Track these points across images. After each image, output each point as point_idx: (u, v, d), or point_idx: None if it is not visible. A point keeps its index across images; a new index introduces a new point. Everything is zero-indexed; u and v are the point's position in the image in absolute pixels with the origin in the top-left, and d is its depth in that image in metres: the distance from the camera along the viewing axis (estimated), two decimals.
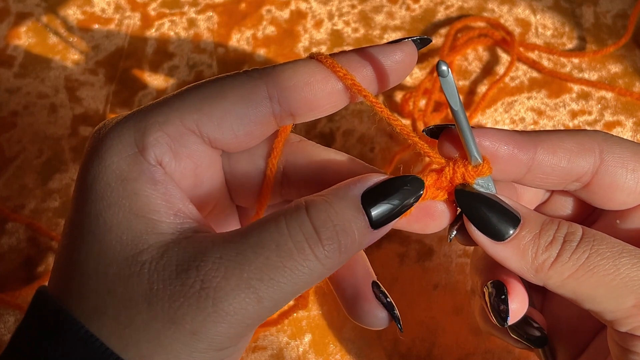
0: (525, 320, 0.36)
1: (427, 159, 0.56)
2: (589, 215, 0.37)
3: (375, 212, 0.29)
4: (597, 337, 0.37)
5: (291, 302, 0.35)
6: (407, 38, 0.33)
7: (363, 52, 0.32)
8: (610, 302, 0.31)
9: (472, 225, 0.32)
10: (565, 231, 0.31)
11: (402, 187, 0.30)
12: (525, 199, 0.36)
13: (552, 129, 0.57)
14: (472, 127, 0.32)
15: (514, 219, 0.31)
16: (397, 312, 0.34)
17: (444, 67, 0.28)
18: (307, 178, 0.34)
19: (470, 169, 0.32)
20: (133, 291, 0.28)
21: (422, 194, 0.31)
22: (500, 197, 0.32)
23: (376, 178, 0.30)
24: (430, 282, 0.51)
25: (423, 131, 0.33)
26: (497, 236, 0.31)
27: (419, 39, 0.33)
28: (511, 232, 0.31)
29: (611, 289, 0.30)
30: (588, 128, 0.57)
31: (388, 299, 0.34)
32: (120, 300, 0.28)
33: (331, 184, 0.31)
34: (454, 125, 0.32)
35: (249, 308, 0.28)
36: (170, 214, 0.29)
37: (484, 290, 0.35)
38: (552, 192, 0.37)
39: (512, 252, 0.31)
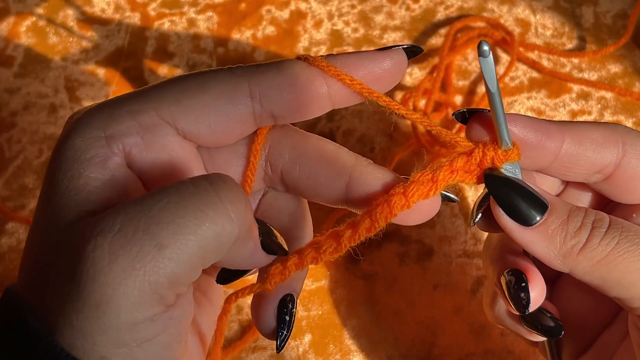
0: (539, 310, 0.36)
1: (425, 158, 0.56)
2: (602, 209, 0.37)
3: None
4: (605, 332, 0.37)
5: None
6: (398, 46, 0.32)
7: (351, 56, 0.31)
8: (639, 288, 0.31)
9: (500, 210, 0.32)
10: (593, 218, 0.31)
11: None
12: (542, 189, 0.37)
13: None
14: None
15: (542, 205, 0.32)
16: (285, 332, 0.32)
17: (486, 47, 0.29)
18: (289, 165, 0.33)
19: (500, 153, 0.32)
20: (58, 259, 0.27)
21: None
22: (528, 184, 0.32)
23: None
24: (430, 282, 0.51)
25: (453, 115, 0.33)
26: (526, 221, 0.31)
27: (410, 47, 0.32)
28: (539, 217, 0.31)
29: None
30: None
31: (289, 317, 0.32)
32: (56, 270, 0.27)
33: (313, 173, 0.32)
34: (484, 110, 0.32)
35: (150, 258, 0.25)
36: (102, 201, 0.28)
37: (501, 279, 0.35)
38: (567, 185, 0.37)
39: (540, 237, 0.31)
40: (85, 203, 0.27)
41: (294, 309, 0.32)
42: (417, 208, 0.31)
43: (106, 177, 0.28)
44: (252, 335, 0.49)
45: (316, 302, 0.51)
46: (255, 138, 0.32)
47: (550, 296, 0.40)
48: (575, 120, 0.34)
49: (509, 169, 0.32)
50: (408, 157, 0.56)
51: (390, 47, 0.32)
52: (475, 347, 0.49)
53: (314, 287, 0.51)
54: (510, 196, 0.31)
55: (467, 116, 0.33)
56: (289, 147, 0.33)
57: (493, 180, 0.32)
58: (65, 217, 0.27)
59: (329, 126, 0.58)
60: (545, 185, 0.37)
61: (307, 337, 0.50)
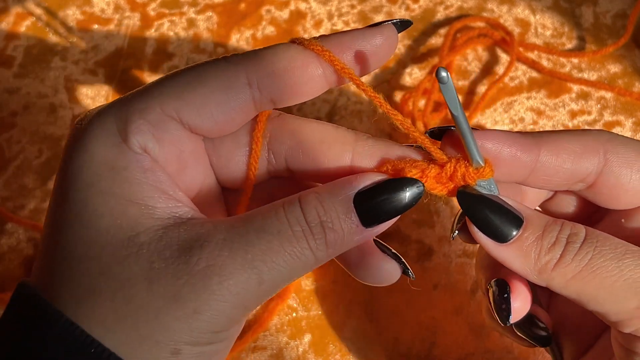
0: (531, 318, 0.36)
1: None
2: (593, 213, 0.37)
3: (368, 211, 0.30)
4: (604, 335, 0.37)
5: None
6: (388, 21, 0.32)
7: (343, 36, 0.32)
8: (613, 303, 0.30)
9: (475, 227, 0.32)
10: (568, 232, 0.31)
11: (400, 189, 0.30)
12: (529, 197, 0.36)
13: (551, 129, 0.57)
14: (474, 128, 0.32)
15: (516, 221, 0.31)
16: (404, 261, 0.34)
17: (444, 74, 0.29)
18: (292, 151, 0.33)
19: (472, 171, 0.32)
20: (130, 271, 0.28)
21: (421, 196, 0.31)
22: (502, 198, 0.32)
23: (373, 178, 0.31)
24: (430, 282, 0.51)
25: (426, 133, 0.33)
26: (500, 238, 0.31)
27: (399, 21, 0.33)
28: (514, 233, 0.31)
29: (614, 290, 0.30)
30: (588, 128, 0.57)
31: (392, 251, 0.34)
32: (115, 280, 0.28)
33: (316, 154, 0.32)
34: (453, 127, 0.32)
35: (250, 289, 0.28)
36: (163, 199, 0.29)
37: (488, 288, 0.35)
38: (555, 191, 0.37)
39: (515, 253, 0.31)
40: (153, 210, 0.29)
41: (385, 244, 0.34)
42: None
43: (151, 179, 0.29)
44: (252, 335, 0.49)
45: (316, 302, 0.51)
46: (255, 126, 0.33)
47: (549, 299, 0.40)
48: (556, 130, 0.34)
49: (483, 185, 0.32)
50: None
51: (381, 23, 0.32)
52: (475, 347, 0.49)
53: (313, 287, 0.51)
54: (482, 213, 0.31)
55: (439, 134, 0.33)
56: (288, 134, 0.33)
57: (465, 198, 0.32)
58: (141, 224, 0.28)
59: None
60: (534, 192, 0.36)
61: (307, 337, 0.50)
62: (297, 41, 0.31)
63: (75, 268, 0.28)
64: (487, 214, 0.31)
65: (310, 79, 0.31)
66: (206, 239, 0.28)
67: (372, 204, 0.30)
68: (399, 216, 0.31)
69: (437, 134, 0.33)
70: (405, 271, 0.34)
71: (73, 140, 0.30)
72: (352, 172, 0.32)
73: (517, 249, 0.31)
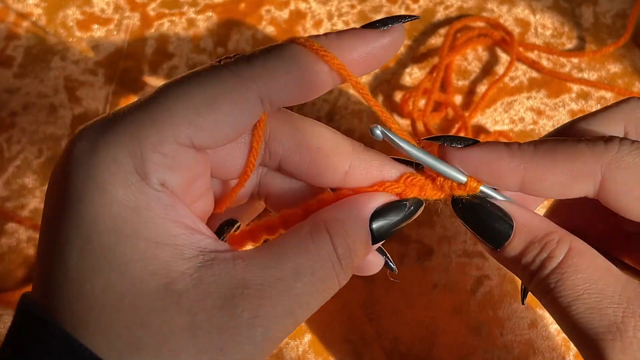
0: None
1: None
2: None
3: (378, 231, 0.32)
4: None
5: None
6: (395, 18, 0.32)
7: (348, 35, 0.31)
8: (572, 334, 0.31)
9: (473, 234, 0.33)
10: (545, 255, 0.31)
11: (405, 209, 0.32)
12: None
13: (551, 129, 0.57)
14: (455, 137, 0.33)
15: (508, 229, 0.32)
16: (387, 253, 0.35)
17: (377, 131, 0.31)
18: (289, 153, 0.33)
19: (456, 187, 0.33)
20: (173, 323, 0.27)
21: (419, 214, 0.33)
22: (497, 202, 0.33)
23: (384, 199, 0.32)
24: (430, 282, 0.51)
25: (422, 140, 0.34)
26: (495, 244, 0.33)
27: (407, 17, 0.32)
28: (505, 242, 0.32)
29: (570, 324, 0.31)
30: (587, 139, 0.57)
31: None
32: (159, 333, 0.27)
33: (312, 162, 0.33)
34: (439, 138, 0.33)
35: (287, 332, 0.29)
36: (189, 236, 0.29)
37: None
38: None
39: (507, 260, 0.33)
40: (182, 250, 0.28)
41: None
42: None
43: (173, 216, 0.29)
44: None
45: None
46: (257, 125, 0.32)
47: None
48: (552, 140, 0.32)
49: (482, 189, 0.33)
50: (407, 157, 0.56)
51: (387, 20, 0.32)
52: (475, 347, 0.49)
53: None
54: (476, 222, 0.33)
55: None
56: (288, 136, 0.33)
57: (458, 207, 0.33)
58: (174, 268, 0.28)
59: (328, 125, 0.58)
60: None
61: (307, 337, 0.50)
62: (303, 42, 0.30)
63: (112, 318, 0.27)
64: (479, 221, 0.33)
65: (321, 85, 0.31)
66: (245, 285, 0.28)
67: (382, 225, 0.32)
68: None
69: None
70: (387, 264, 0.35)
71: (81, 174, 0.28)
72: (345, 184, 0.33)
73: (508, 257, 0.33)
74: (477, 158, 0.32)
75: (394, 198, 0.33)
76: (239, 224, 0.37)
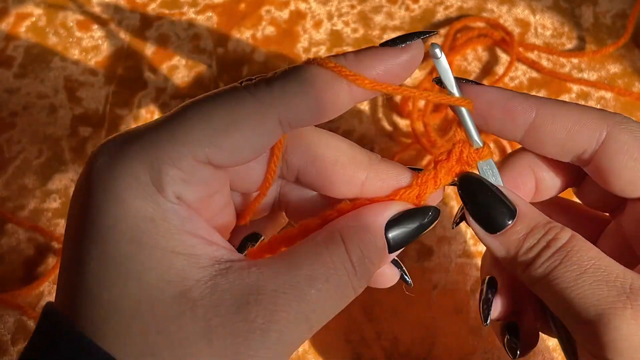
0: (512, 326, 0.36)
1: (425, 159, 0.56)
2: (621, 203, 0.36)
3: (394, 239, 0.32)
4: None
5: None
6: (415, 34, 0.32)
7: (366, 54, 0.31)
8: (566, 314, 0.31)
9: (469, 214, 0.33)
10: (551, 236, 0.32)
11: (422, 217, 0.32)
12: (545, 185, 0.36)
13: None
14: (466, 81, 0.33)
15: (509, 213, 0.32)
16: (403, 267, 0.35)
17: (437, 49, 0.30)
18: (306, 166, 0.34)
19: (472, 152, 0.33)
20: (188, 329, 0.27)
21: (436, 222, 0.33)
22: (502, 189, 0.33)
23: (399, 207, 0.32)
24: (429, 282, 0.51)
25: (433, 80, 0.34)
26: (490, 228, 0.33)
27: (426, 33, 0.32)
28: (505, 225, 0.32)
29: (569, 303, 0.31)
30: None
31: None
32: (174, 340, 0.27)
33: (329, 174, 0.33)
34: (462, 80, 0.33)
35: (302, 338, 0.29)
36: (205, 246, 0.29)
37: (481, 284, 0.36)
38: (586, 176, 0.37)
39: (501, 245, 0.33)
40: (198, 260, 0.29)
41: None
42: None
43: (189, 228, 0.29)
44: None
45: None
46: (277, 144, 0.33)
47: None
48: (567, 101, 0.34)
49: (485, 170, 0.34)
50: (407, 157, 0.56)
51: (406, 37, 0.32)
52: (475, 347, 0.49)
53: None
54: (478, 201, 0.33)
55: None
56: (304, 148, 0.33)
57: (465, 181, 0.33)
58: (190, 277, 0.28)
59: (329, 126, 0.58)
60: (549, 181, 0.36)
61: None
62: (325, 63, 0.30)
63: (127, 325, 0.27)
64: (482, 202, 0.33)
65: (340, 106, 0.31)
66: (259, 291, 0.28)
67: (399, 233, 0.32)
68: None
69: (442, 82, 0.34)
70: (403, 277, 0.35)
71: (101, 185, 0.28)
72: (362, 195, 0.33)
73: (503, 242, 0.32)
74: (494, 92, 0.33)
75: (410, 206, 0.33)
76: (262, 237, 0.37)
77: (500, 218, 0.32)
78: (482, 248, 0.52)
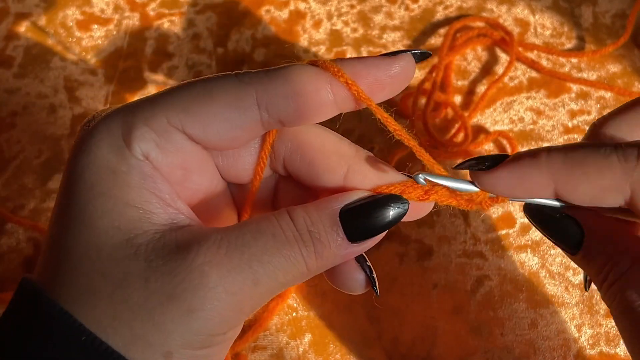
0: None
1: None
2: None
3: (354, 227, 0.31)
4: None
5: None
6: (408, 51, 0.32)
7: (359, 63, 0.31)
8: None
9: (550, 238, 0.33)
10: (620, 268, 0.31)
11: (385, 206, 0.31)
12: None
13: (551, 129, 0.57)
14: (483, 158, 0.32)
15: (577, 236, 0.32)
16: (374, 274, 0.34)
17: (421, 179, 0.32)
18: (291, 153, 0.34)
19: (489, 200, 0.33)
20: (128, 270, 0.28)
21: (404, 214, 0.32)
22: (569, 212, 0.32)
23: (359, 195, 0.32)
24: (429, 282, 0.51)
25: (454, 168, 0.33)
26: (570, 251, 0.32)
27: (419, 52, 0.32)
28: (578, 248, 0.32)
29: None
30: (587, 128, 0.57)
31: (367, 263, 0.34)
32: (114, 280, 0.28)
33: (312, 162, 0.33)
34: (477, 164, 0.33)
35: (246, 289, 0.28)
36: (162, 206, 0.30)
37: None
38: None
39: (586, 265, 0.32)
40: (151, 215, 0.29)
41: (362, 254, 0.34)
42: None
43: (150, 185, 0.30)
44: (252, 335, 0.49)
45: (316, 302, 0.51)
46: (267, 136, 0.33)
47: None
48: (576, 146, 0.31)
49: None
50: (407, 157, 0.56)
51: (399, 52, 0.32)
52: (475, 347, 0.49)
53: (314, 286, 0.51)
54: (548, 227, 0.33)
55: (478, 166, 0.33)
56: (291, 136, 0.33)
57: (530, 213, 0.33)
58: (139, 227, 0.29)
59: (328, 126, 0.58)
60: None
61: (307, 337, 0.50)
62: (313, 62, 0.31)
63: (75, 268, 0.28)
64: (551, 229, 0.32)
65: (321, 104, 0.31)
66: (203, 238, 0.29)
67: (357, 220, 0.31)
68: (385, 232, 0.32)
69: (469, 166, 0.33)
70: (372, 286, 0.34)
71: (79, 141, 0.30)
72: (343, 187, 0.33)
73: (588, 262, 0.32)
74: (505, 180, 0.31)
75: (372, 194, 0.32)
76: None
77: (573, 239, 0.32)
78: (481, 248, 0.52)
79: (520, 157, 0.31)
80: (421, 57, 0.32)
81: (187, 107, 0.30)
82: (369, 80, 0.31)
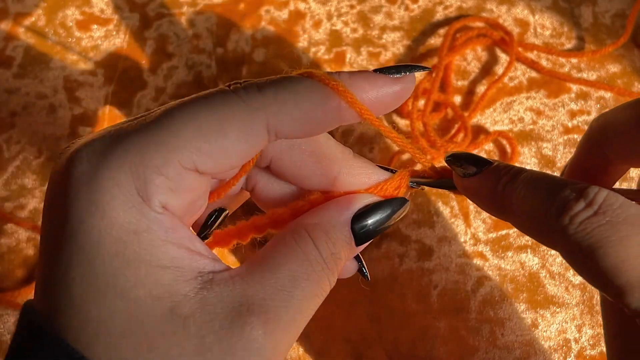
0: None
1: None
2: None
3: (360, 232, 0.32)
4: None
5: None
6: (407, 66, 0.32)
7: (360, 76, 0.31)
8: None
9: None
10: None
11: (389, 210, 0.33)
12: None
13: (551, 129, 0.57)
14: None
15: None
16: (362, 260, 0.35)
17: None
18: (280, 155, 0.34)
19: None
20: (182, 348, 0.27)
21: (404, 213, 0.33)
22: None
23: (366, 200, 0.32)
24: (430, 282, 0.51)
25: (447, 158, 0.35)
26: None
27: (418, 68, 0.32)
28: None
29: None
30: (587, 128, 0.57)
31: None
32: (167, 356, 0.27)
33: (302, 165, 0.33)
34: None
35: (292, 343, 0.29)
36: (189, 258, 0.29)
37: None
38: None
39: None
40: (183, 273, 0.28)
41: None
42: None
43: (174, 239, 0.28)
44: None
45: None
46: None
47: None
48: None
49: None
50: (407, 157, 0.56)
51: (402, 68, 0.32)
52: (475, 348, 0.49)
53: None
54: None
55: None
56: (282, 139, 0.33)
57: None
58: (177, 291, 0.28)
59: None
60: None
61: (308, 338, 0.50)
62: (319, 77, 0.30)
63: (119, 343, 0.27)
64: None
65: (329, 124, 0.31)
66: (248, 301, 0.28)
67: (365, 226, 0.32)
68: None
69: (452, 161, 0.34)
70: (360, 270, 0.35)
71: (81, 196, 0.27)
72: (333, 188, 0.34)
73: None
74: (474, 190, 0.33)
75: (376, 199, 0.33)
76: (227, 212, 0.37)
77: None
78: (482, 248, 0.52)
79: (491, 172, 0.33)
80: (419, 70, 0.33)
81: (198, 146, 0.28)
82: (370, 95, 0.31)
